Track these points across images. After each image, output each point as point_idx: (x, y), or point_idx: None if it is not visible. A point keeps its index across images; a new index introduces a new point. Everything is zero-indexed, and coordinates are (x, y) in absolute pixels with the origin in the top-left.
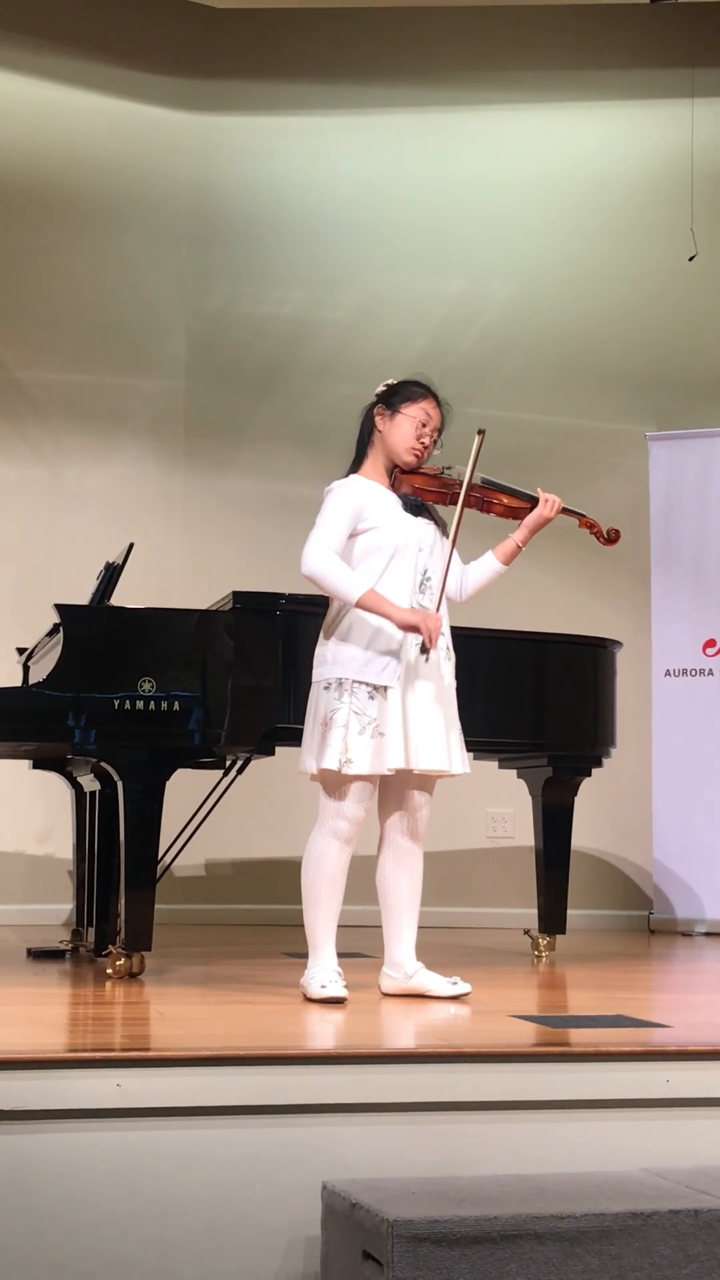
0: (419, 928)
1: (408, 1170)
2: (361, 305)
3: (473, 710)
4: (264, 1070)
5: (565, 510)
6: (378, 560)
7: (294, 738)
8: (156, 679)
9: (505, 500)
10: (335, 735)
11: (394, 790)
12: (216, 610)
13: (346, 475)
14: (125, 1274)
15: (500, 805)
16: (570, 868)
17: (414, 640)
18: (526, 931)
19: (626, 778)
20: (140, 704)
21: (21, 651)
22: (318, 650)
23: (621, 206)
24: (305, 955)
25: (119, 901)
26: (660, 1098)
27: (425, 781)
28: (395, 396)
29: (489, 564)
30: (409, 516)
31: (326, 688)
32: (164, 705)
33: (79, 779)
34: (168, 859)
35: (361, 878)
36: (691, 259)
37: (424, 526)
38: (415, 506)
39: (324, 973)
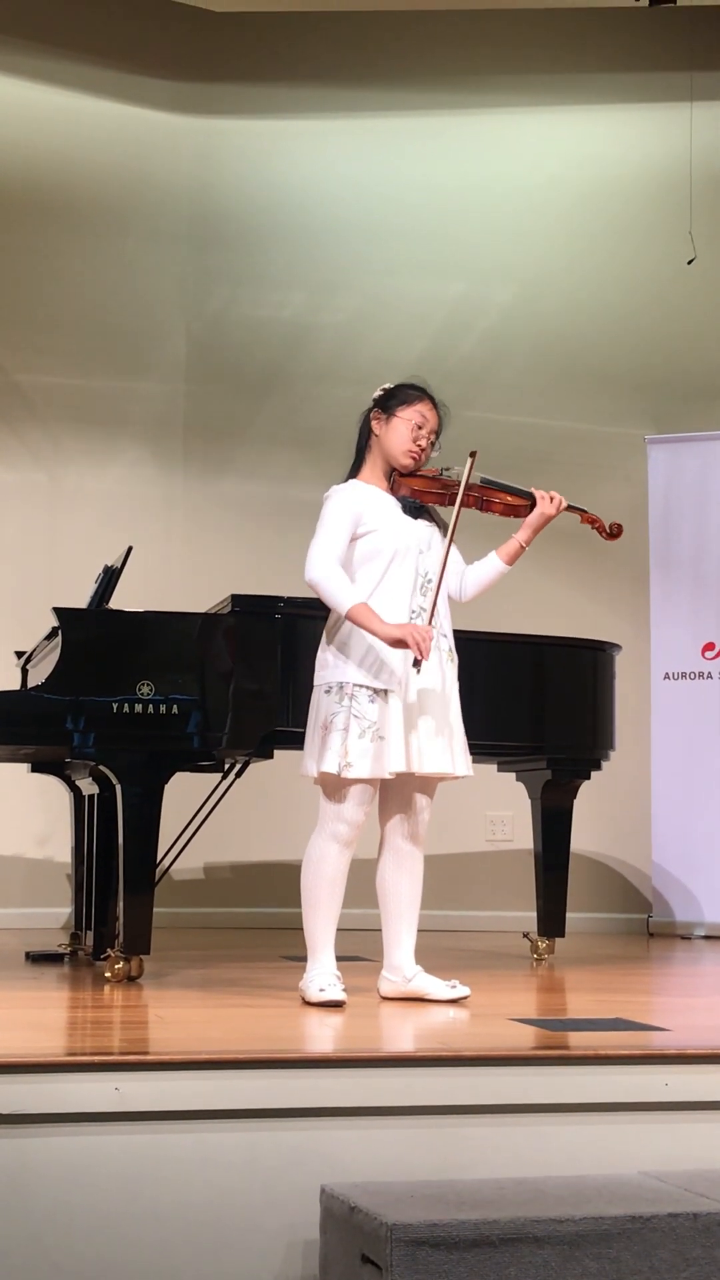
0: (418, 931)
1: (407, 1174)
2: (361, 308)
3: (472, 713)
4: (263, 1074)
5: (568, 507)
6: (378, 563)
7: (293, 741)
8: (155, 682)
9: (505, 499)
10: (335, 739)
11: (394, 793)
12: (215, 613)
13: (345, 480)
14: (124, 1278)
15: (499, 808)
16: (569, 871)
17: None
18: (525, 934)
19: (625, 781)
20: (139, 707)
21: (20, 655)
22: (319, 654)
23: (620, 210)
24: (304, 959)
25: (117, 905)
26: (659, 1101)
27: (426, 785)
28: (391, 400)
29: (492, 564)
30: (408, 519)
31: (327, 691)
32: (162, 709)
33: (77, 782)
34: (166, 862)
35: (360, 881)
36: (690, 262)
37: (424, 528)
38: (415, 509)
39: (323, 976)
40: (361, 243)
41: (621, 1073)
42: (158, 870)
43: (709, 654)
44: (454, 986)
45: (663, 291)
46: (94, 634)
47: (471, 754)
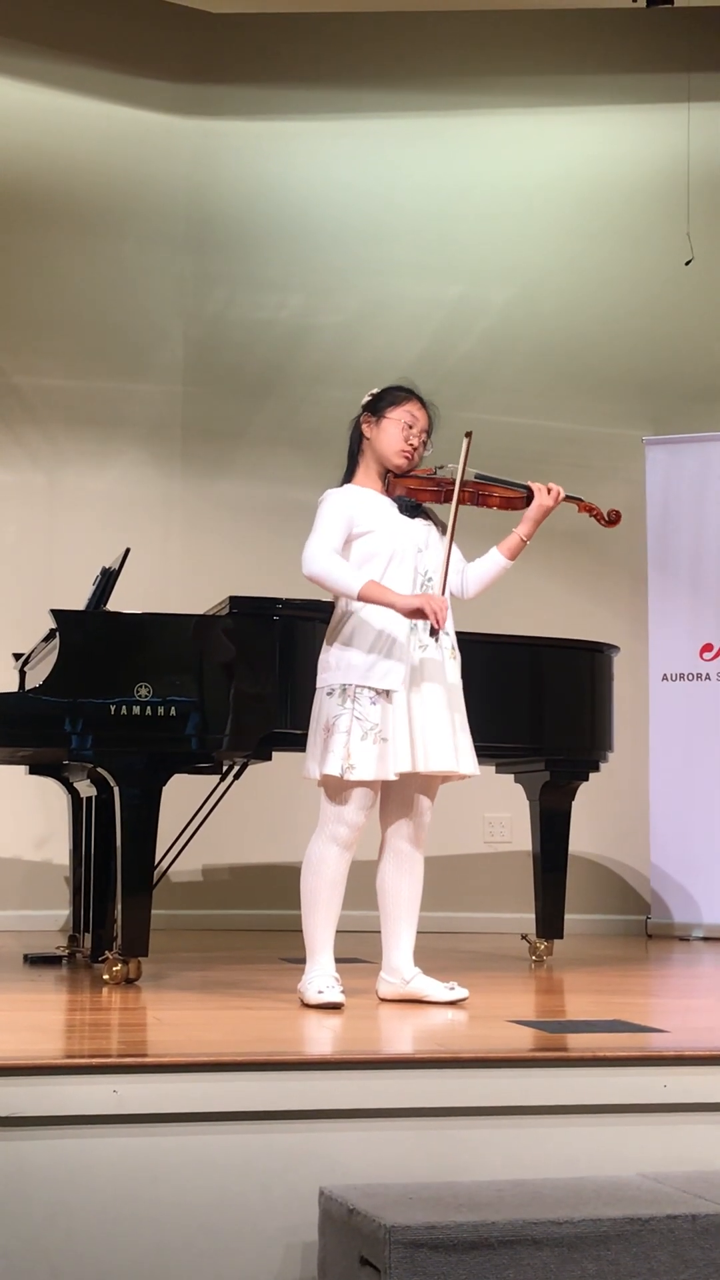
0: (417, 933)
1: (405, 1176)
2: (359, 310)
3: (470, 715)
4: (261, 1076)
5: (565, 497)
6: (376, 564)
7: (291, 743)
8: (153, 684)
9: (501, 492)
10: (337, 741)
11: (396, 795)
12: (213, 615)
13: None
14: None
15: (498, 810)
16: (568, 872)
17: (418, 640)
18: (524, 936)
19: (624, 782)
20: (137, 709)
21: (18, 657)
22: (321, 656)
23: (618, 211)
24: (303, 960)
25: (116, 907)
26: (658, 1103)
27: (428, 786)
28: (380, 402)
29: (494, 560)
30: (405, 519)
31: (329, 694)
32: (160, 711)
33: (75, 785)
34: (164, 864)
35: (359, 883)
36: (688, 263)
37: (422, 527)
38: (411, 508)
39: (321, 978)
40: (360, 244)
41: (620, 1074)
42: (156, 872)
43: (707, 655)
44: (452, 988)
45: (660, 292)
46: (92, 636)
47: None
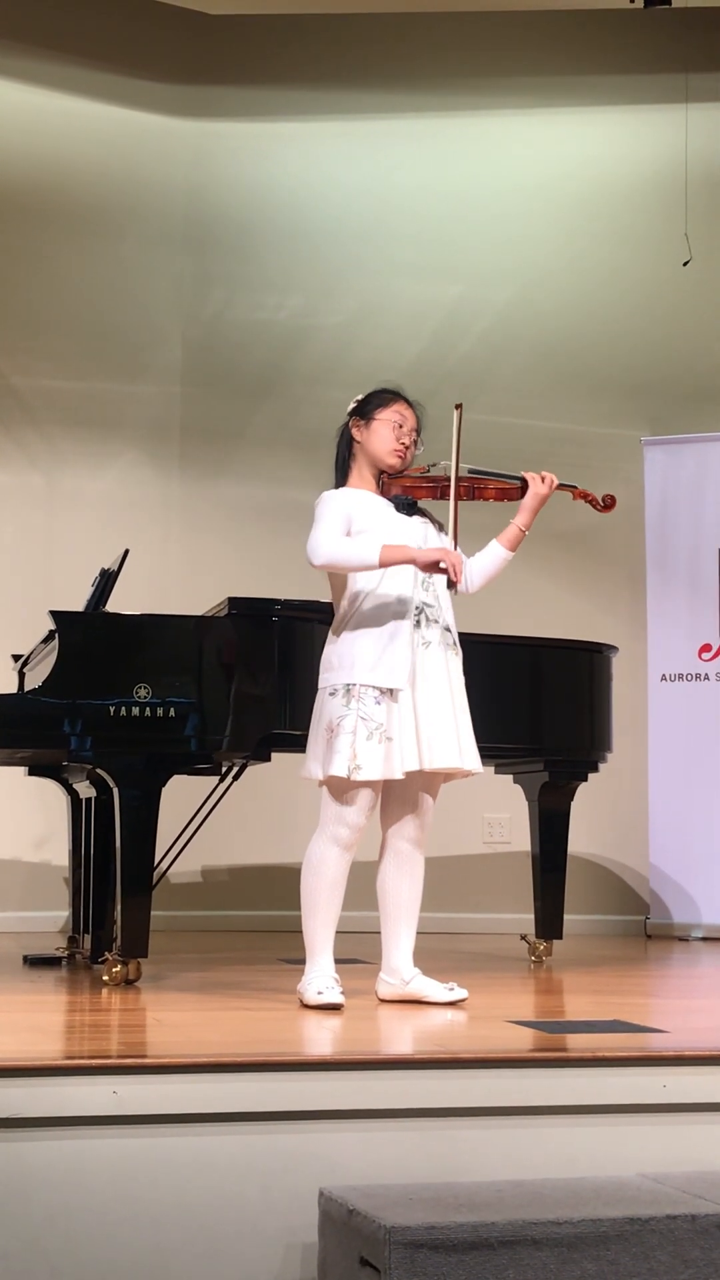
0: (416, 933)
1: (405, 1176)
2: (357, 311)
3: (469, 715)
4: (261, 1076)
5: (559, 485)
6: None
7: (291, 743)
8: (152, 685)
9: (496, 485)
10: (343, 741)
11: (397, 795)
12: (212, 616)
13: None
14: None
15: (497, 810)
16: (567, 872)
17: (420, 638)
18: (523, 937)
19: (623, 783)
20: (136, 710)
21: (17, 658)
22: (324, 656)
23: (617, 212)
24: (302, 961)
25: (115, 908)
26: (657, 1103)
27: (431, 784)
28: (368, 405)
29: (495, 552)
30: (402, 517)
31: (332, 694)
32: (160, 712)
33: (75, 786)
34: (164, 865)
35: (358, 883)
36: (686, 264)
37: (419, 525)
38: (408, 506)
39: (321, 979)
40: (358, 245)
41: (619, 1075)
42: (155, 873)
43: (705, 655)
44: (452, 989)
45: (659, 293)
46: (91, 637)
47: None
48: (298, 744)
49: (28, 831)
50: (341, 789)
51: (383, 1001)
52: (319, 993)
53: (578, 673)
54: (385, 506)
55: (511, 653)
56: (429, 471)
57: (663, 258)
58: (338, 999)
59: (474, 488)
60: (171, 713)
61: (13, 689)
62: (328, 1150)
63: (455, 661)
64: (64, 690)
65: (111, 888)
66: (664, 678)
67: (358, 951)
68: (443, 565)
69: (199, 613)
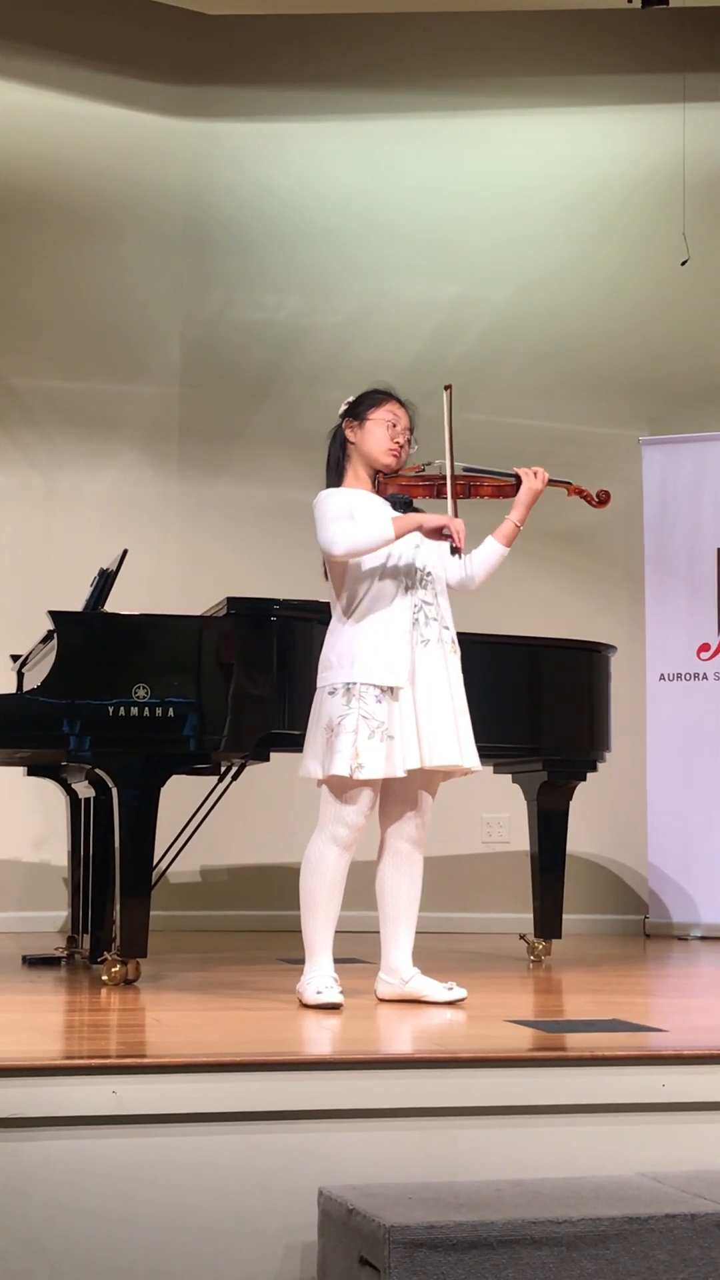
0: (416, 933)
1: (404, 1176)
2: (356, 311)
3: (468, 713)
4: (260, 1076)
5: (552, 481)
6: (374, 560)
7: (290, 743)
8: (151, 685)
9: (490, 482)
10: (344, 741)
11: (396, 794)
12: (211, 616)
13: None
14: None
15: (496, 810)
16: (565, 872)
17: (419, 635)
18: (522, 936)
19: (621, 782)
20: (135, 710)
21: (16, 659)
22: (323, 655)
23: (614, 211)
24: (302, 961)
25: (114, 908)
26: (656, 1102)
27: (429, 784)
28: (360, 406)
29: (492, 548)
30: (399, 515)
31: (332, 693)
32: (159, 712)
33: (74, 786)
34: (163, 865)
35: (358, 883)
36: (684, 263)
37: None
38: (404, 504)
39: (320, 978)
40: (357, 245)
41: (619, 1074)
42: (154, 873)
43: (704, 655)
44: (451, 988)
45: (657, 293)
46: (90, 637)
47: None
48: (297, 744)
49: (27, 831)
50: (342, 788)
51: (382, 1001)
52: (318, 992)
53: (576, 672)
54: (383, 506)
55: (510, 652)
56: (424, 471)
57: (661, 257)
58: (337, 998)
59: (469, 486)
60: (170, 713)
61: (12, 689)
62: (327, 1150)
63: (454, 660)
64: (63, 690)
65: (110, 888)
66: (663, 677)
67: (357, 951)
68: (446, 531)
69: (198, 613)
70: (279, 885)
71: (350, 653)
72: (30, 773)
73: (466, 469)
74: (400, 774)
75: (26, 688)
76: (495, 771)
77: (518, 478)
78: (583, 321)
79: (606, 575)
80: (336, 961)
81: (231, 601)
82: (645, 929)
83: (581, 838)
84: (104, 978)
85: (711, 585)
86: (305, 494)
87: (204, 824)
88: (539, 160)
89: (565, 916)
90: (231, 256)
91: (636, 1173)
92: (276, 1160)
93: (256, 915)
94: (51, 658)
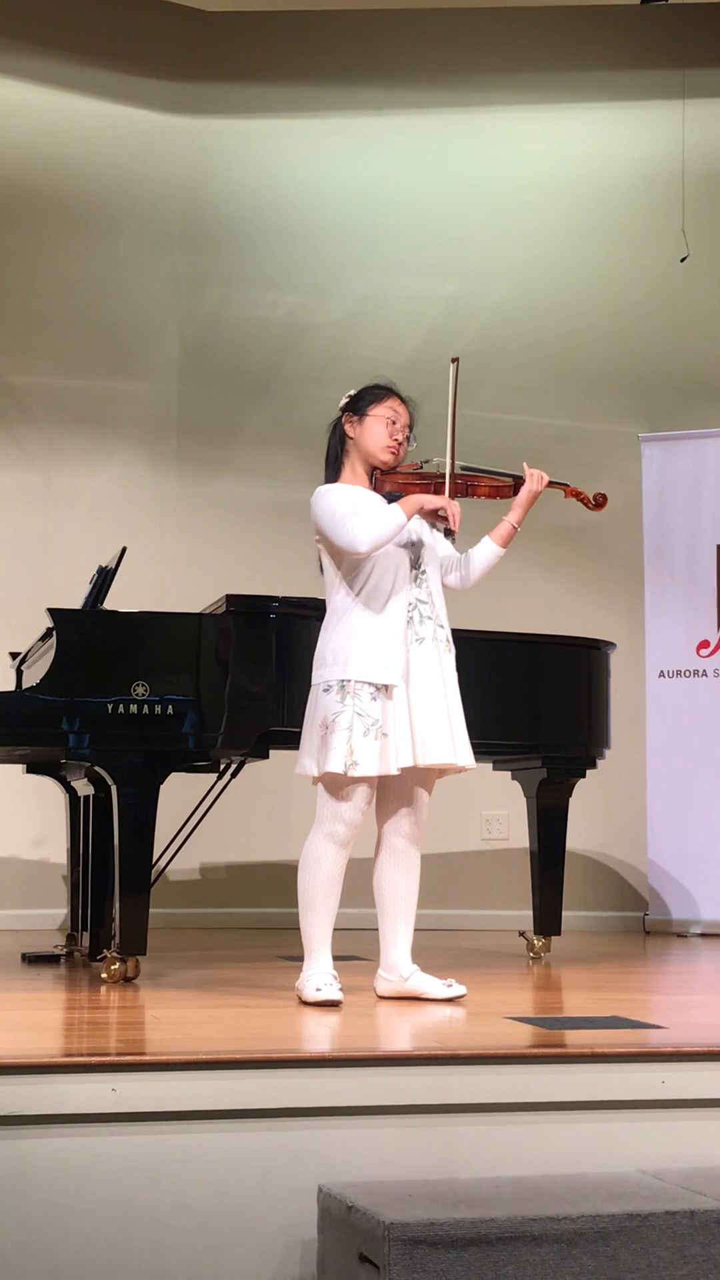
0: (415, 930)
1: (404, 1173)
2: (355, 308)
3: (467, 712)
4: (259, 1073)
5: (550, 482)
6: (371, 557)
7: (288, 741)
8: (150, 683)
9: (488, 482)
10: (339, 738)
11: (393, 791)
12: (210, 614)
13: None
14: (121, 1279)
15: (495, 807)
16: (565, 869)
17: (414, 634)
18: (522, 933)
19: (621, 779)
20: (134, 708)
21: (15, 656)
22: (318, 652)
23: (614, 208)
24: (301, 958)
25: (114, 906)
26: (656, 1099)
27: (425, 781)
28: (360, 401)
29: (488, 548)
30: (399, 500)
31: (326, 690)
32: (158, 709)
33: (73, 783)
34: (162, 863)
35: (357, 881)
36: (683, 260)
37: (414, 520)
38: None
39: (319, 976)
40: (355, 242)
41: (618, 1071)
42: (154, 870)
43: (703, 651)
44: (450, 985)
45: (656, 289)
46: (89, 635)
47: None
48: (296, 741)
49: (26, 829)
50: (338, 785)
51: (381, 998)
52: (317, 989)
53: (576, 669)
54: (380, 502)
55: (509, 649)
56: (421, 468)
57: (660, 254)
58: (336, 995)
59: (467, 485)
60: (169, 710)
61: (11, 687)
62: (327, 1147)
63: (448, 658)
64: (62, 688)
65: (110, 885)
66: (662, 674)
67: (356, 948)
68: (442, 513)
69: (197, 610)
70: (278, 882)
71: (344, 650)
72: (29, 770)
73: (465, 468)
74: (394, 771)
75: (25, 685)
76: (495, 768)
77: (516, 479)
78: (582, 318)
79: (606, 572)
80: (336, 959)
81: (230, 599)
82: (645, 926)
83: (581, 835)
84: (103, 975)
85: (711, 582)
86: (304, 491)
87: (203, 821)
88: (538, 157)
89: (565, 913)
90: (229, 253)
91: (636, 1169)
92: (276, 1157)
93: (256, 912)
94: (50, 655)
